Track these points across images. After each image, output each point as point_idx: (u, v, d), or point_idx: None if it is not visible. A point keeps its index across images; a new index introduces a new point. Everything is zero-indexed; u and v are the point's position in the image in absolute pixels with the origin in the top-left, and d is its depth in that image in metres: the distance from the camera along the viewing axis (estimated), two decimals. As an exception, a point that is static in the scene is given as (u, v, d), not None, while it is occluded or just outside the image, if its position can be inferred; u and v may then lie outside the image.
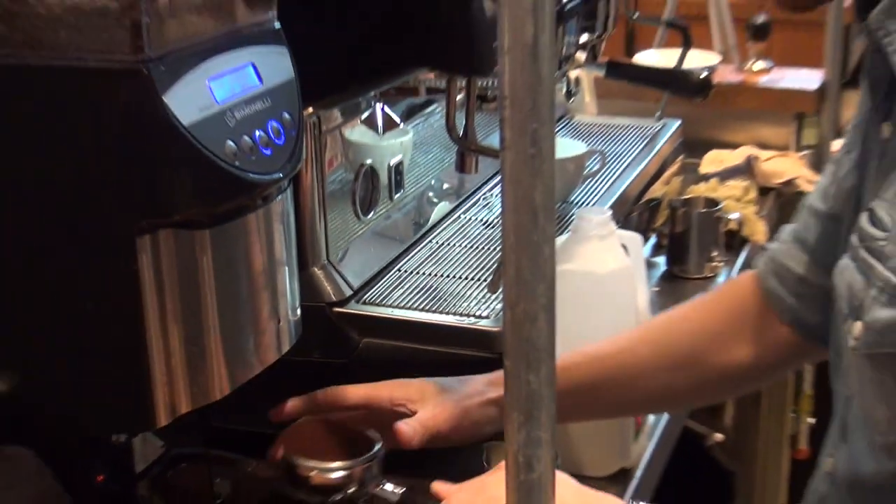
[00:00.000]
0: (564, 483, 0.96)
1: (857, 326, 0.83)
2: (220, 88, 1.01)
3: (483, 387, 1.26)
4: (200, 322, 1.04)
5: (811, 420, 2.41)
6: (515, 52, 0.74)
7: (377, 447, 1.18)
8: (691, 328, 1.21)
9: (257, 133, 1.04)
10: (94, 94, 0.97)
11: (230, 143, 1.00)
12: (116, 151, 0.97)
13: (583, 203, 1.78)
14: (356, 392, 1.25)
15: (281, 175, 1.05)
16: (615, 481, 1.37)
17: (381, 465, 1.18)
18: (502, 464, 0.98)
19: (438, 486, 1.08)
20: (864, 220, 0.85)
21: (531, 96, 0.75)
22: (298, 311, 1.17)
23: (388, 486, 1.17)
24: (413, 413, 1.22)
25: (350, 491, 1.14)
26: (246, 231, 1.06)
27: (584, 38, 1.77)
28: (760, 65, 2.55)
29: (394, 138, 1.55)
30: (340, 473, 1.16)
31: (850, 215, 0.97)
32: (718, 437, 2.32)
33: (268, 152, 1.04)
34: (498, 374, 1.24)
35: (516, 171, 0.75)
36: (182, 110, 0.96)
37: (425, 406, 1.22)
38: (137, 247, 0.99)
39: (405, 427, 1.19)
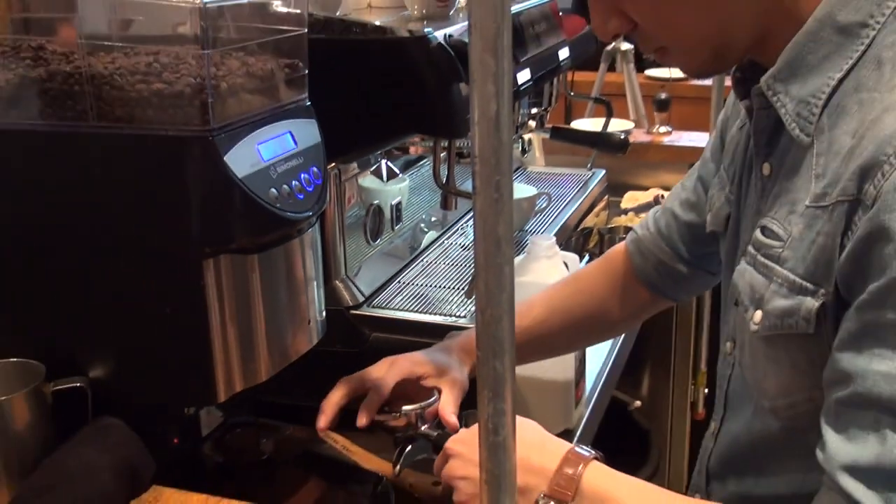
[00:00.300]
0: (528, 425, 0.96)
1: (758, 314, 0.81)
2: (266, 150, 1.02)
3: (468, 357, 1.21)
4: (250, 322, 1.04)
5: (706, 390, 2.41)
6: (483, 123, 0.75)
7: (434, 398, 1.15)
8: (586, 298, 1.21)
9: (294, 182, 1.05)
10: (172, 155, 0.98)
11: (273, 190, 1.01)
12: (190, 197, 0.98)
13: (534, 231, 1.78)
14: (389, 380, 1.18)
15: (311, 213, 1.06)
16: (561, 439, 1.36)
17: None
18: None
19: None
20: (758, 234, 0.83)
21: (494, 156, 0.75)
22: (324, 314, 1.18)
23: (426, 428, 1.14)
24: (436, 386, 1.17)
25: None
26: (285, 255, 1.06)
27: (534, 110, 1.79)
28: (663, 129, 2.58)
29: (394, 184, 1.55)
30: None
31: (727, 233, 0.98)
32: (637, 403, 2.32)
33: (301, 197, 1.05)
34: (466, 341, 1.24)
35: (484, 211, 0.76)
36: (237, 166, 0.97)
37: (443, 382, 1.17)
38: (204, 268, 0.99)
39: (452, 419, 1.14)
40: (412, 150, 1.61)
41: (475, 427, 0.98)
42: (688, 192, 1.14)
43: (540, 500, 0.87)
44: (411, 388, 1.17)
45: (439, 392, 1.15)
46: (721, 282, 1.05)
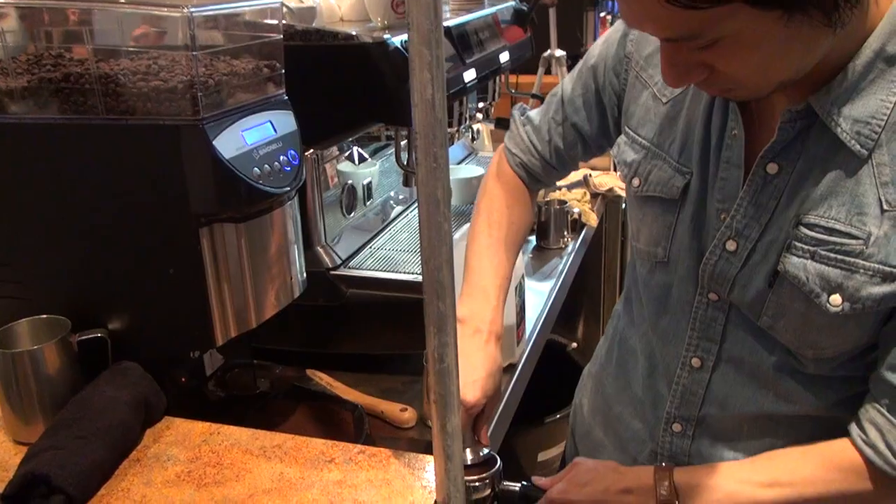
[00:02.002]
0: (607, 464, 0.93)
1: (836, 298, 0.77)
2: (249, 136, 1.01)
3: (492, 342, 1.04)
4: (241, 279, 1.03)
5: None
6: (421, 105, 0.74)
7: (498, 464, 0.96)
8: (517, 223, 1.10)
9: (274, 163, 1.03)
10: (169, 141, 0.96)
11: (256, 169, 1.00)
12: (185, 175, 0.97)
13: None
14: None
15: (289, 188, 1.05)
16: (506, 371, 1.36)
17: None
18: (578, 460, 0.95)
19: (539, 481, 0.96)
20: (805, 231, 0.78)
21: (432, 132, 0.75)
22: (304, 273, 1.17)
23: (507, 483, 0.98)
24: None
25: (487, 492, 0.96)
26: (268, 223, 1.05)
27: (481, 104, 1.77)
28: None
29: (365, 167, 1.54)
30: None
31: (683, 202, 0.89)
32: (574, 344, 2.32)
33: (280, 175, 1.04)
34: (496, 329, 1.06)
35: (424, 177, 0.76)
36: (225, 149, 0.96)
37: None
38: (200, 234, 0.99)
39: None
40: (380, 137, 1.60)
41: (570, 472, 0.94)
42: (577, 102, 1.04)
43: None
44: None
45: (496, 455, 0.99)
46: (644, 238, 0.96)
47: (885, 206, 0.74)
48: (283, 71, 1.10)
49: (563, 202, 1.87)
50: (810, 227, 0.78)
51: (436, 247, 0.79)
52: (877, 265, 0.75)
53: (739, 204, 0.83)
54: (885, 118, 0.74)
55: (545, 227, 1.83)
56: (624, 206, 2.41)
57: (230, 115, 0.99)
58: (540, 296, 1.65)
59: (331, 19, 1.56)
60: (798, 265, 0.79)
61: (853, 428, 0.82)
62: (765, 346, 0.86)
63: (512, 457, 2.14)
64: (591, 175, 2.09)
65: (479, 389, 0.94)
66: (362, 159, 1.54)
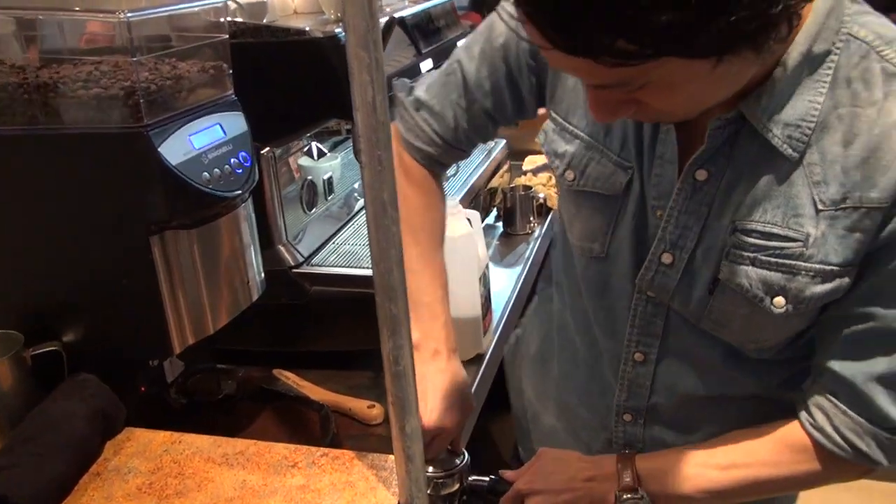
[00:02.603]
0: (570, 454, 0.94)
1: (780, 300, 0.78)
2: (197, 140, 0.99)
3: (449, 361, 0.99)
4: (196, 286, 1.02)
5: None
6: (363, 108, 0.73)
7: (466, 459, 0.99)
8: (438, 222, 1.06)
9: (224, 166, 1.02)
10: (114, 149, 0.94)
11: (205, 174, 0.98)
12: (132, 184, 0.95)
13: (447, 194, 1.75)
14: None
15: (241, 191, 1.03)
16: (474, 362, 1.37)
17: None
18: (543, 451, 0.96)
19: (506, 474, 0.97)
20: (742, 237, 0.77)
21: (375, 134, 0.74)
22: (262, 275, 1.15)
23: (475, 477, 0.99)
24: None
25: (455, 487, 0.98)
26: (222, 228, 1.04)
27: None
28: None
29: (325, 162, 1.52)
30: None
31: (626, 197, 0.86)
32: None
33: (231, 178, 1.02)
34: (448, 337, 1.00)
35: (370, 181, 0.75)
36: (171, 155, 0.94)
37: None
38: (151, 243, 0.97)
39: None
40: (341, 132, 1.58)
41: (536, 464, 0.95)
42: (485, 86, 0.97)
43: (618, 497, 0.87)
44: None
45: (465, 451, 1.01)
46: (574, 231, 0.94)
47: (820, 206, 0.74)
48: (231, 71, 1.08)
49: (528, 188, 1.87)
50: (747, 232, 0.77)
51: (384, 249, 0.78)
52: (817, 265, 0.75)
53: (671, 213, 0.82)
54: (815, 120, 0.73)
55: (511, 214, 1.83)
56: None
57: (176, 120, 0.97)
58: (508, 282, 1.65)
59: (284, 13, 1.53)
60: (739, 272, 0.79)
61: (802, 413, 0.83)
62: (707, 340, 0.86)
63: (490, 445, 2.14)
64: (556, 159, 2.08)
65: (439, 414, 0.92)
66: (321, 154, 1.52)
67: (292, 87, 1.28)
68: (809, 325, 0.82)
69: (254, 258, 1.11)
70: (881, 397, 0.78)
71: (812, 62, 0.73)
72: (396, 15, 1.39)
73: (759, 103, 0.73)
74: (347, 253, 1.47)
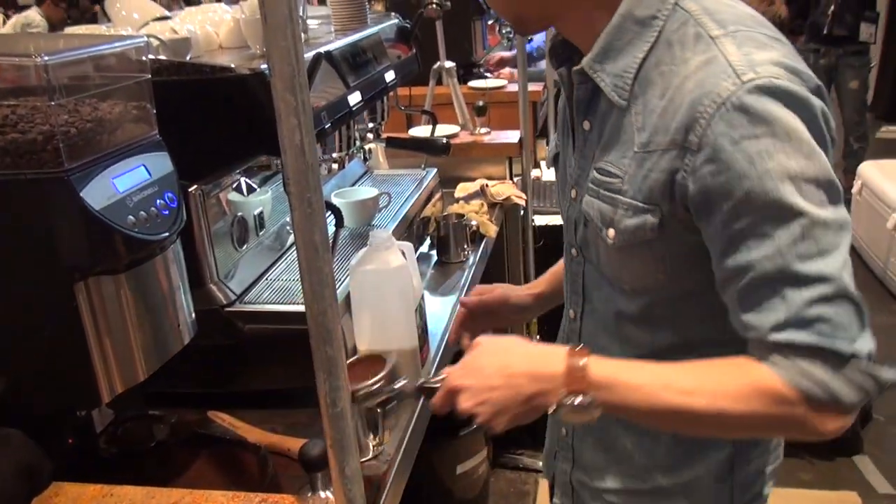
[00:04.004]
0: (515, 342, 0.91)
1: (611, 232, 0.88)
2: (121, 183, 0.97)
3: (526, 290, 1.28)
4: (124, 332, 0.99)
5: (538, 336, 2.45)
6: (290, 151, 0.73)
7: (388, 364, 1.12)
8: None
9: (151, 209, 1.00)
10: (34, 196, 0.91)
11: (130, 217, 0.96)
12: (54, 231, 0.92)
13: (381, 225, 1.75)
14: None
15: (168, 234, 1.01)
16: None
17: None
18: (479, 340, 0.93)
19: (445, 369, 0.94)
20: (595, 174, 0.90)
21: (304, 177, 0.74)
22: (193, 316, 1.13)
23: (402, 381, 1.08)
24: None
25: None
26: (149, 271, 1.01)
27: (371, 124, 1.76)
28: (483, 130, 2.57)
29: (256, 197, 1.50)
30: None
31: (557, 167, 1.06)
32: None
33: (158, 220, 1.00)
34: (535, 284, 1.28)
35: (300, 224, 0.74)
36: (94, 200, 0.92)
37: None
38: (75, 290, 0.94)
39: (465, 298, 1.29)
40: (271, 166, 1.57)
41: (465, 359, 0.92)
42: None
43: (562, 398, 0.83)
44: None
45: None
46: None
47: (636, 149, 0.85)
48: (155, 111, 1.06)
49: (460, 216, 1.88)
50: (599, 170, 0.91)
51: (318, 292, 0.77)
52: (629, 200, 0.86)
53: (575, 158, 0.98)
54: (635, 71, 0.86)
55: (445, 242, 1.84)
56: (522, 212, 2.45)
57: (99, 163, 0.95)
58: (444, 310, 1.65)
59: (209, 47, 1.51)
60: (589, 203, 0.92)
61: (763, 365, 0.80)
62: (609, 295, 0.96)
63: (431, 471, 2.13)
64: (487, 185, 2.11)
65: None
66: (251, 189, 1.50)
67: (219, 124, 1.27)
68: (664, 282, 0.89)
69: (184, 300, 1.08)
70: (803, 336, 0.77)
71: (641, 24, 0.86)
72: (323, 49, 1.39)
73: (592, 56, 0.88)
74: (281, 289, 1.45)
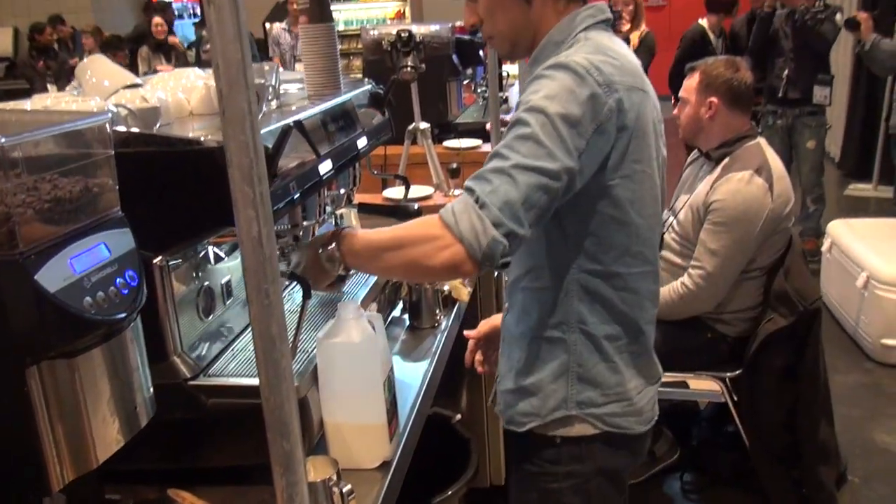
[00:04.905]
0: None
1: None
2: (78, 263, 0.94)
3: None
4: (78, 418, 0.95)
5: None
6: (248, 243, 0.72)
7: None
8: None
9: (110, 289, 0.97)
10: (-14, 278, 0.89)
11: (87, 298, 0.93)
12: (6, 315, 0.89)
13: (350, 293, 1.72)
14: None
15: (126, 314, 0.98)
16: (380, 469, 1.33)
17: None
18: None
19: None
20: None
21: (262, 268, 0.72)
22: (151, 391, 1.09)
23: None
24: None
25: None
26: (106, 354, 0.98)
27: (342, 190, 1.75)
28: (458, 191, 2.57)
29: (223, 265, 1.48)
30: None
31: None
32: (458, 416, 2.30)
33: (116, 301, 0.97)
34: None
35: (258, 315, 0.73)
36: (49, 282, 0.89)
37: None
38: (27, 375, 0.91)
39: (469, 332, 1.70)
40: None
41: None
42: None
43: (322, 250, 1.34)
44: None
45: None
46: None
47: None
48: (118, 187, 1.04)
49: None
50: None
51: (275, 385, 0.75)
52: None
53: None
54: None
55: (417, 307, 1.82)
56: (496, 275, 2.43)
57: (56, 244, 0.92)
58: (415, 377, 1.62)
59: (179, 114, 1.50)
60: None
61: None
62: None
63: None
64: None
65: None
66: (219, 259, 1.48)
67: (186, 195, 1.25)
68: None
69: (143, 381, 1.05)
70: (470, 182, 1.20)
71: (555, 45, 1.29)
72: (292, 120, 1.38)
73: (531, 62, 1.35)
74: (247, 360, 1.42)
